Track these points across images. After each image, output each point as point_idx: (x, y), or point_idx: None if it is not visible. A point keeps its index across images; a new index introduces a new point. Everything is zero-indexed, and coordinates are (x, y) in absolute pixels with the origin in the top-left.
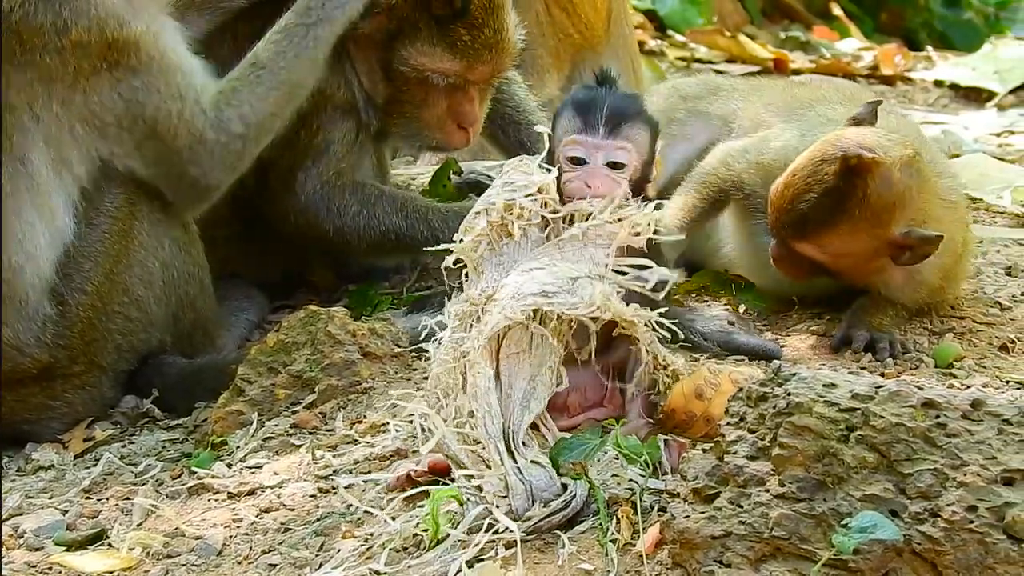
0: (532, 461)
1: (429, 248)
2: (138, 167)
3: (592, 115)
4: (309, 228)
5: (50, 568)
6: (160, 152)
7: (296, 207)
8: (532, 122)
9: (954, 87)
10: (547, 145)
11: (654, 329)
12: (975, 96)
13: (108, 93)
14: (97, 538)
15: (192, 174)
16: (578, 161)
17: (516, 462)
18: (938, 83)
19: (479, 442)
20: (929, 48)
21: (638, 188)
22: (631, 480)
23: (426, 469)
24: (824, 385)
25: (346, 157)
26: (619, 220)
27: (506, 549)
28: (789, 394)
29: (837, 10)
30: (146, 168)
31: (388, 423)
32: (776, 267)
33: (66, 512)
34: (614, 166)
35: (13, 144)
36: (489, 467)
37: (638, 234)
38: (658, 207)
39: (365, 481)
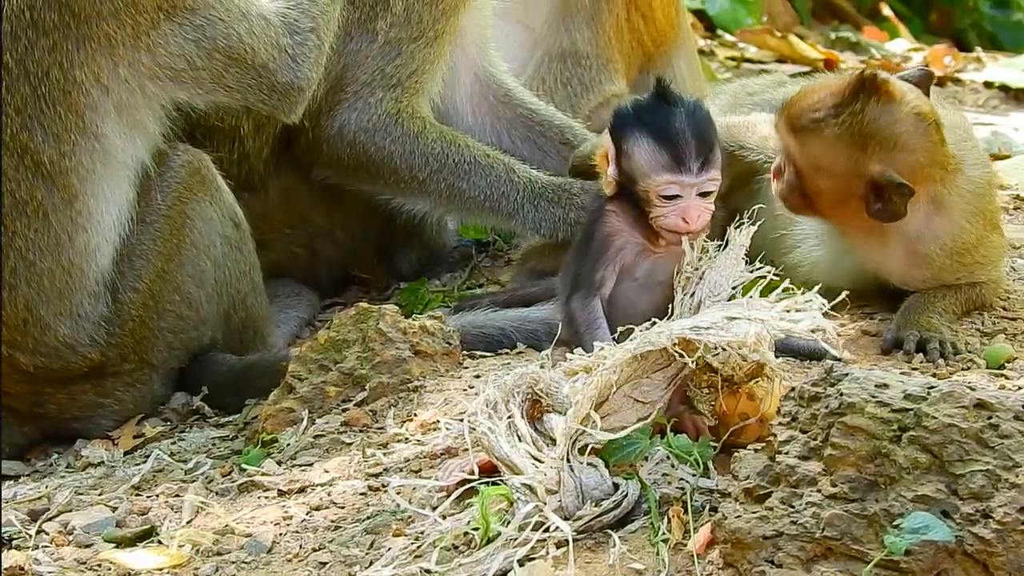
0: (588, 464)
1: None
2: (222, 98)
3: (682, 151)
4: (364, 154)
5: (99, 564)
6: (243, 74)
7: (357, 128)
8: (571, 124)
9: (1004, 88)
10: (609, 159)
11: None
12: None
13: (174, 40)
14: (147, 535)
15: (284, 80)
16: (671, 197)
17: (570, 461)
18: (988, 84)
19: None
20: (978, 49)
21: None
22: (682, 480)
23: (476, 470)
24: (876, 385)
25: (423, 88)
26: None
27: (557, 548)
28: (841, 394)
29: (887, 11)
30: (230, 96)
31: (439, 421)
32: (773, 183)
33: (116, 509)
34: (705, 195)
35: (85, 122)
36: (540, 463)
37: (798, 320)
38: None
39: (416, 480)
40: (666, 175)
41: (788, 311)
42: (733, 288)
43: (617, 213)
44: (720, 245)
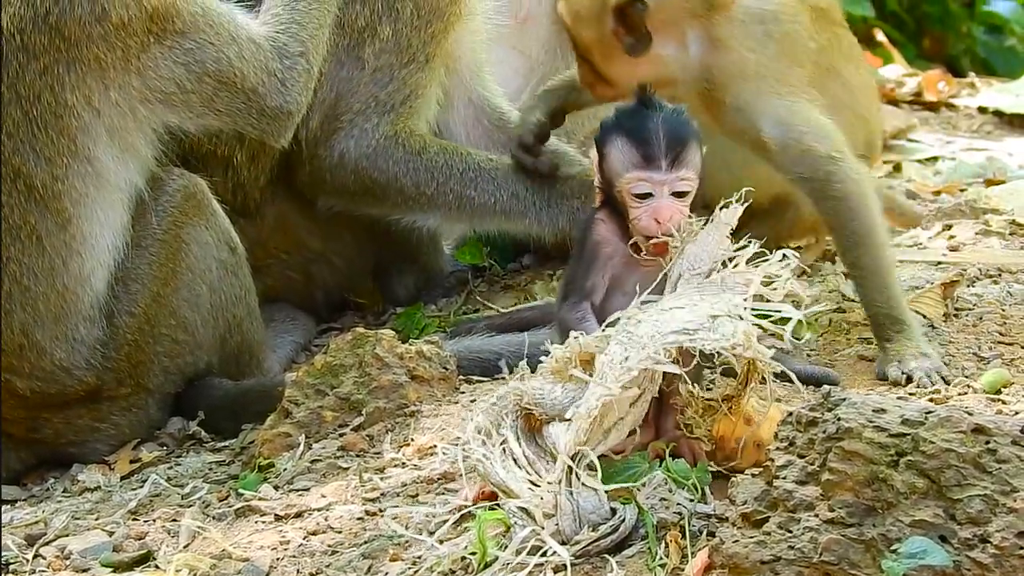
0: (584, 484)
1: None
2: (212, 122)
3: (652, 147)
4: (369, 179)
5: None
6: (232, 98)
7: (358, 155)
8: (565, 150)
9: (998, 114)
10: (595, 168)
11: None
12: (1019, 123)
13: (164, 63)
14: (144, 560)
15: (273, 105)
16: (644, 196)
17: (570, 485)
18: (982, 110)
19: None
20: (972, 74)
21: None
22: (679, 504)
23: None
24: (874, 410)
25: (418, 111)
26: (755, 267)
27: (554, 573)
28: (839, 419)
29: (880, 36)
30: (220, 119)
31: (436, 446)
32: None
33: (113, 533)
34: (679, 195)
35: (77, 145)
36: (537, 487)
37: (772, 286)
38: (785, 258)
39: (413, 504)
40: (636, 171)
41: (766, 277)
42: (714, 263)
43: (606, 221)
44: (706, 221)
